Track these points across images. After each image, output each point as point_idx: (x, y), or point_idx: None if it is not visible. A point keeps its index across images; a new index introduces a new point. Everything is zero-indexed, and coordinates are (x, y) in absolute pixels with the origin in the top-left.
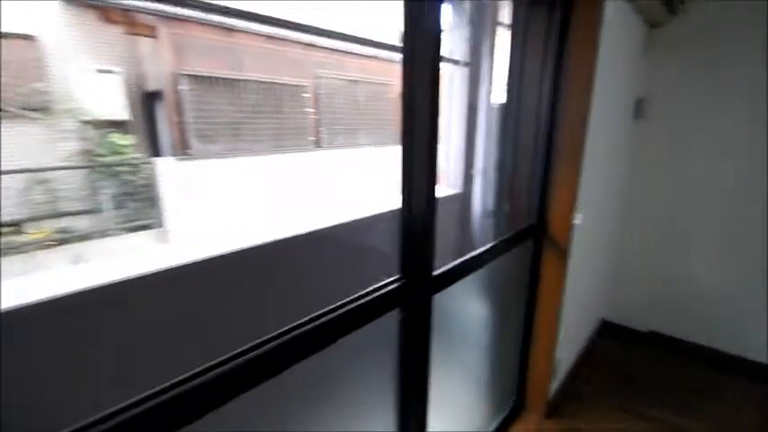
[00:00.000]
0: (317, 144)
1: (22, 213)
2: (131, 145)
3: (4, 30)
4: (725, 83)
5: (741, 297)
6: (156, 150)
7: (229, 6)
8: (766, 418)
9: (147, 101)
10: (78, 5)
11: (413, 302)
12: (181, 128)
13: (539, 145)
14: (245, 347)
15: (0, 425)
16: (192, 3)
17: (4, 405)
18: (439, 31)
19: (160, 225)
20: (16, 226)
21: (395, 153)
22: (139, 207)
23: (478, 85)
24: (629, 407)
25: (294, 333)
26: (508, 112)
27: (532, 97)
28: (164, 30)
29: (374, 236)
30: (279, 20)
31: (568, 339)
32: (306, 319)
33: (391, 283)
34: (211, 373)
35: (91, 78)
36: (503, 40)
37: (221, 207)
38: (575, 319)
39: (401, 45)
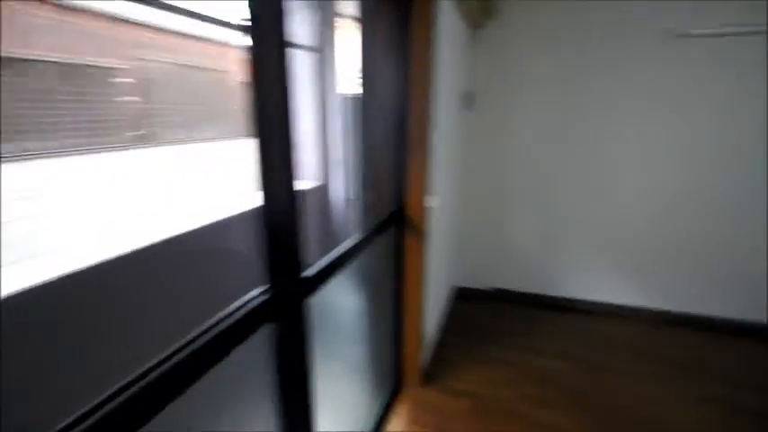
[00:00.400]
0: (144, 139)
1: None
2: None
3: None
4: (529, 75)
5: (559, 249)
6: None
7: None
8: (607, 343)
9: None
10: None
11: (284, 313)
12: None
13: (394, 135)
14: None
15: None
16: None
17: None
18: (285, 14)
19: None
20: None
21: (245, 146)
22: None
23: (331, 73)
24: (489, 357)
25: (130, 391)
26: (364, 103)
27: (385, 88)
28: None
29: (231, 241)
30: None
31: (432, 311)
32: (148, 366)
33: (256, 297)
34: None
35: None
36: (353, 29)
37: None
38: (436, 291)
39: (244, 26)
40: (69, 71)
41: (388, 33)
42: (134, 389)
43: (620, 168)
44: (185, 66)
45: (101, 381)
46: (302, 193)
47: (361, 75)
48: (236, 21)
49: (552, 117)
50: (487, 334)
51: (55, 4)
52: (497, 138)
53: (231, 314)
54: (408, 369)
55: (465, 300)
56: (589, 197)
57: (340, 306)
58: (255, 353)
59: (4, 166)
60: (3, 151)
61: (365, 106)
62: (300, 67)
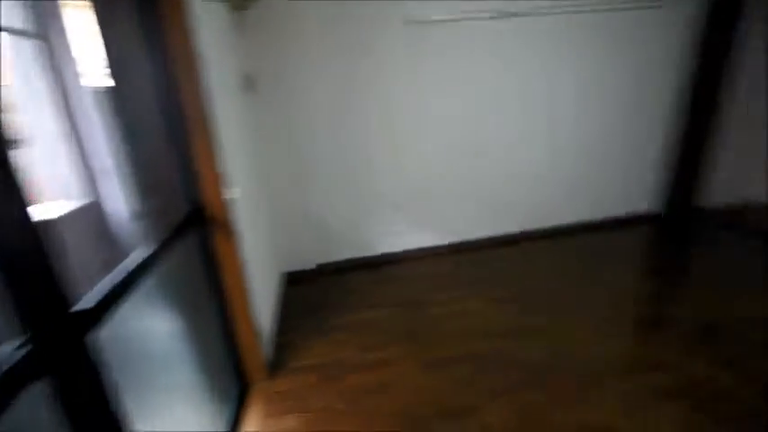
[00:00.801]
0: None
1: None
2: None
3: None
4: (308, 54)
5: (368, 212)
6: None
7: None
8: (422, 282)
9: None
10: None
11: (57, 363)
12: None
13: (169, 128)
14: None
15: None
16: None
17: None
18: None
19: None
20: None
21: None
22: None
23: (69, 64)
24: (326, 328)
25: None
26: (120, 96)
27: (143, 77)
28: None
29: None
30: None
31: (264, 304)
32: None
33: (11, 353)
34: None
35: None
36: (85, 12)
37: None
38: (263, 284)
39: None
40: None
41: (132, 15)
42: None
43: (409, 129)
44: None
45: None
46: (57, 220)
47: (107, 64)
48: None
49: (339, 92)
50: (321, 308)
51: None
52: (290, 118)
53: None
54: (251, 367)
55: (296, 283)
56: (386, 159)
57: (146, 329)
58: (27, 422)
59: None
60: None
61: (121, 100)
62: (17, 55)
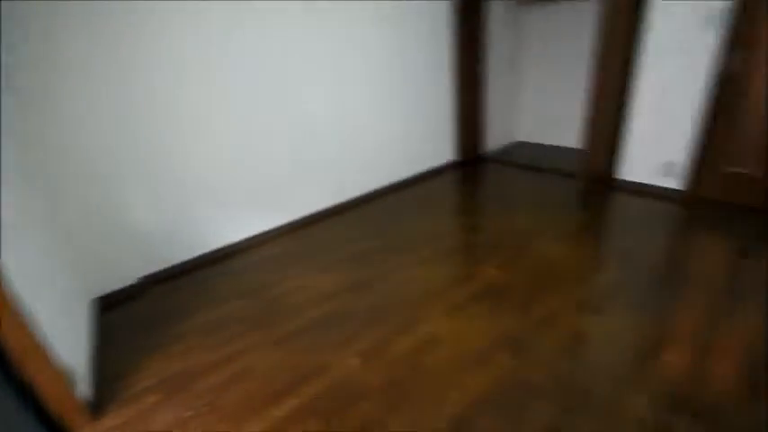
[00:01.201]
0: None
1: None
2: None
3: None
4: (65, 55)
5: (183, 209)
6: None
7: None
8: (268, 265)
9: None
10: None
11: None
12: None
13: None
14: None
15: None
16: None
17: None
18: None
19: None
20: None
21: None
22: None
23: None
24: (169, 344)
25: None
26: None
27: None
28: None
29: None
30: None
31: (66, 340)
32: None
33: None
34: None
35: None
36: None
37: None
38: (61, 316)
39: None
40: None
41: None
42: None
43: (217, 111)
44: None
45: None
46: None
47: None
48: None
49: (122, 75)
50: (154, 322)
51: None
52: (58, 113)
53: None
54: (66, 414)
55: (118, 303)
56: (200, 144)
57: None
58: None
59: None
60: None
61: None
62: None
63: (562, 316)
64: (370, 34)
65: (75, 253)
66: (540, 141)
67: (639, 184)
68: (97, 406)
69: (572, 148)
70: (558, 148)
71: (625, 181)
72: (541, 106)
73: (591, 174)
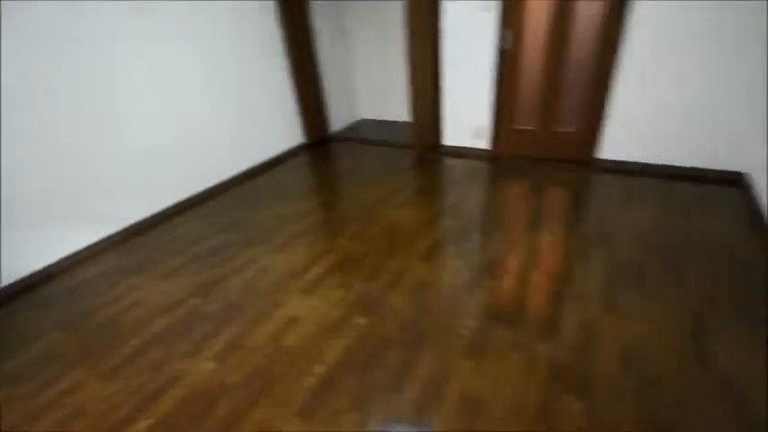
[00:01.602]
0: None
1: None
2: None
3: None
4: None
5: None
6: None
7: None
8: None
9: None
10: None
11: None
12: None
13: None
14: None
15: None
16: None
17: None
18: None
19: None
20: None
21: None
22: None
23: None
24: None
25: None
26: None
27: None
28: None
29: None
30: None
31: None
32: None
33: None
34: None
35: None
36: None
37: None
38: None
39: None
40: None
41: None
42: None
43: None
44: None
45: None
46: None
47: None
48: None
49: None
50: None
51: None
52: None
53: None
54: None
55: None
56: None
57: None
58: None
59: None
60: None
61: None
62: None
63: (407, 271)
64: (200, 30)
65: None
66: (382, 118)
67: (460, 147)
68: None
69: (408, 122)
70: (396, 122)
71: (449, 146)
72: (378, 85)
73: (422, 143)
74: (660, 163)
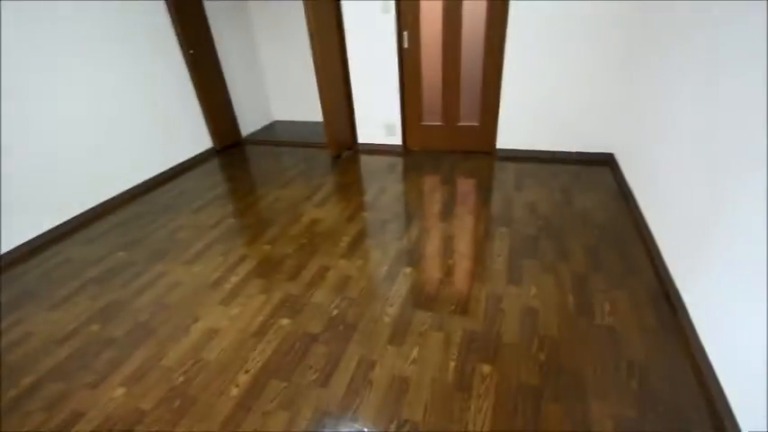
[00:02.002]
0: None
1: None
2: None
3: None
4: None
5: None
6: None
7: None
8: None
9: None
10: None
11: None
12: None
13: None
14: None
15: None
16: None
17: None
18: None
19: None
20: None
21: None
22: None
23: None
24: None
25: None
26: None
27: None
28: None
29: None
30: None
31: None
32: None
33: None
34: None
35: None
36: None
37: None
38: None
39: None
40: None
41: None
42: None
43: None
44: None
45: None
46: None
47: None
48: None
49: None
50: None
51: None
52: None
53: None
54: None
55: None
56: None
57: None
58: None
59: None
60: None
61: None
62: None
63: (329, 268)
64: (88, 31)
65: None
66: (297, 119)
67: (374, 144)
68: None
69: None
70: (311, 123)
71: (363, 143)
72: (290, 85)
73: (337, 142)
74: (546, 149)
